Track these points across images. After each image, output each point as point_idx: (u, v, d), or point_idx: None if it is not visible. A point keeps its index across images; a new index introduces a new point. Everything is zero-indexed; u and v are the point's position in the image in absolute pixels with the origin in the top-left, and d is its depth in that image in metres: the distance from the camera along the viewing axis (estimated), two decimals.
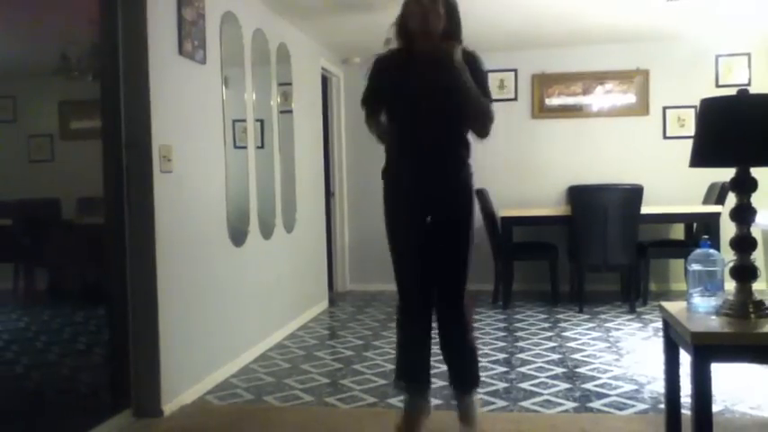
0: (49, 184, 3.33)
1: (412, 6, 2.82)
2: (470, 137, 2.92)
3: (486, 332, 5.09)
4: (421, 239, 2.92)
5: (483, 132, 2.88)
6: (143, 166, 3.35)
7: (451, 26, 2.87)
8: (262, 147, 4.90)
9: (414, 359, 3.04)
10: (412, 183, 2.88)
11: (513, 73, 6.95)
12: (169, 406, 3.44)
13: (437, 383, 3.45)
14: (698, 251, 2.35)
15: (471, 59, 2.91)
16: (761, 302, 2.21)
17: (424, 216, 2.91)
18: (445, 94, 2.80)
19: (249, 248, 4.52)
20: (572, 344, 4.70)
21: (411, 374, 3.05)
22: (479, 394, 3.12)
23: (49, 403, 3.12)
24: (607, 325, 5.26)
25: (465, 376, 3.04)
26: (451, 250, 2.90)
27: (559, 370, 4.07)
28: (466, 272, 2.93)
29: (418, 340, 3.01)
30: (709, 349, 2.08)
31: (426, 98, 2.80)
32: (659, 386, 3.58)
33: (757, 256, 2.29)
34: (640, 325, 5.23)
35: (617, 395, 3.59)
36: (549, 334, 5.01)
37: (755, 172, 2.22)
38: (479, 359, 3.25)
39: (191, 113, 3.79)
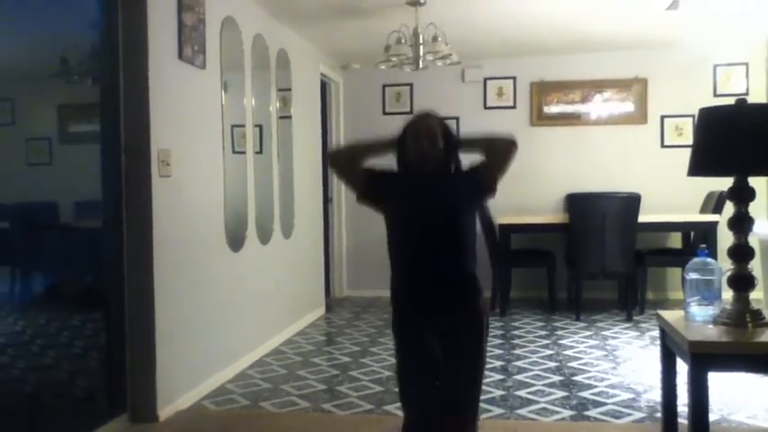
0: (48, 188, 3.32)
1: (410, 143, 2.64)
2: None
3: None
4: (433, 362, 2.63)
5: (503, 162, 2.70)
6: (142, 170, 3.35)
7: (449, 141, 2.67)
8: (260, 152, 4.90)
9: None
10: (421, 308, 2.66)
11: (511, 81, 6.96)
12: (165, 411, 3.43)
13: None
14: (695, 260, 2.36)
15: (469, 171, 2.71)
16: (758, 312, 2.22)
17: (433, 339, 2.64)
18: (450, 209, 2.64)
19: (247, 254, 4.52)
20: (569, 352, 4.70)
21: None
22: None
23: (45, 407, 3.11)
24: (604, 333, 5.26)
25: None
26: (462, 378, 2.63)
27: (556, 378, 4.07)
28: (477, 391, 2.66)
29: None
30: (706, 358, 2.08)
31: (431, 215, 2.62)
32: (656, 395, 3.58)
33: (754, 266, 2.29)
34: (637, 333, 5.23)
35: (614, 403, 3.59)
36: (547, 342, 5.00)
37: (753, 181, 2.22)
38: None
39: (190, 118, 3.80)
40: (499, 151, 2.70)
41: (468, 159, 2.69)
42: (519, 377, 4.09)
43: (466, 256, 2.69)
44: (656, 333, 3.16)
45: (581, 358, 4.52)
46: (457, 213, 2.66)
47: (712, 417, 2.56)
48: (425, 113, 2.74)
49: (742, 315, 2.20)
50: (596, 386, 3.89)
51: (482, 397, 3.60)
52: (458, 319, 2.63)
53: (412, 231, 2.67)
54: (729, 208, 2.30)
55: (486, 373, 4.11)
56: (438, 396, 2.61)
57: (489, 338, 5.03)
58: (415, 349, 2.67)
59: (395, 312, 2.74)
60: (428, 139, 2.62)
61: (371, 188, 2.74)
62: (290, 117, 5.49)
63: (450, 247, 2.65)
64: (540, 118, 6.94)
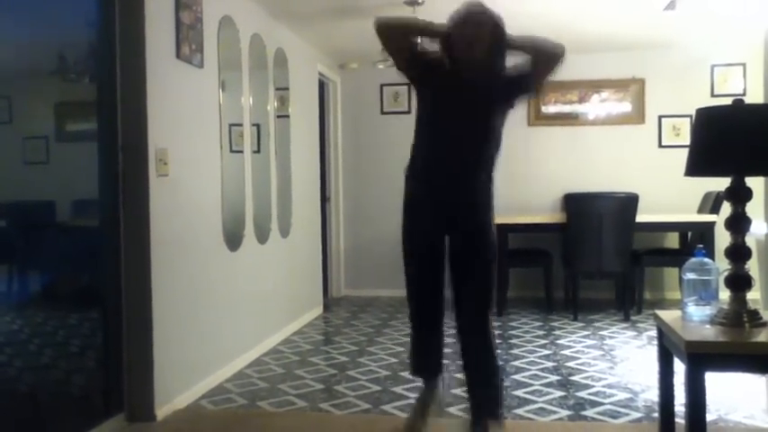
0: (45, 187, 3.31)
1: (456, 31, 2.71)
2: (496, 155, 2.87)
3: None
4: (441, 247, 2.88)
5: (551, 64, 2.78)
6: (139, 169, 3.34)
7: (497, 47, 2.74)
8: (258, 151, 4.90)
9: (425, 350, 3.07)
10: (436, 191, 2.83)
11: None
12: (162, 410, 3.43)
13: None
14: (693, 260, 2.36)
15: (513, 77, 2.83)
16: (755, 312, 2.22)
17: (444, 224, 2.87)
18: (484, 110, 2.75)
19: (244, 253, 4.51)
20: (566, 351, 4.70)
21: (422, 363, 3.10)
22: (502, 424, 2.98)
23: (41, 407, 3.10)
24: (601, 333, 5.26)
25: (485, 397, 2.92)
26: (477, 262, 2.85)
27: (554, 378, 4.07)
28: (492, 283, 2.89)
29: (431, 335, 3.05)
30: (703, 358, 2.08)
31: (466, 109, 2.73)
32: (653, 395, 3.58)
33: (751, 266, 2.29)
34: (635, 333, 5.24)
35: (611, 403, 3.59)
36: (544, 341, 5.01)
37: (750, 181, 2.23)
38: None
39: (187, 117, 3.79)
40: (546, 58, 2.79)
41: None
42: (516, 377, 4.10)
43: (485, 158, 2.81)
44: (654, 333, 3.16)
45: (578, 358, 4.52)
46: (490, 115, 2.76)
47: (709, 416, 2.56)
48: (476, 2, 2.75)
49: (739, 315, 2.20)
50: (593, 386, 3.89)
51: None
52: (469, 201, 2.81)
53: (443, 122, 2.76)
54: (726, 208, 2.30)
55: None
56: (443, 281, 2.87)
57: None
58: (424, 237, 2.86)
59: (407, 190, 2.89)
60: (476, 28, 2.68)
61: (416, 67, 2.81)
62: (287, 116, 5.49)
63: (474, 146, 2.76)
64: (537, 118, 6.94)
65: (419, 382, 3.76)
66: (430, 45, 2.84)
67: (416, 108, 2.93)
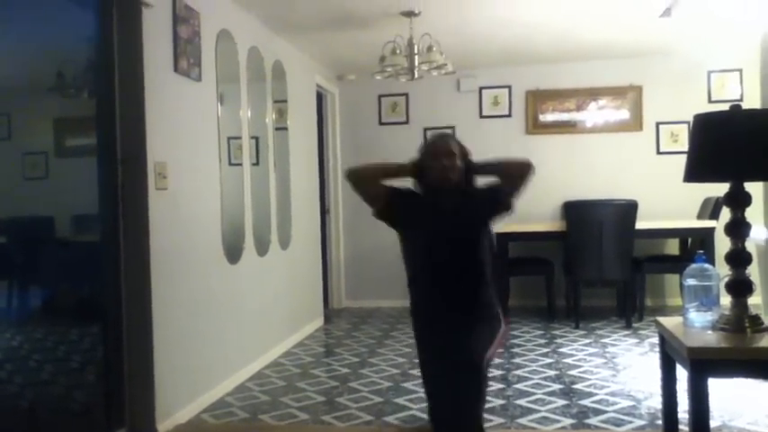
0: (44, 202, 3.31)
1: (429, 161, 2.75)
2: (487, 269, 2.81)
3: None
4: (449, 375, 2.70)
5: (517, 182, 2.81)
6: (138, 183, 3.34)
7: (468, 170, 2.79)
8: (257, 164, 4.90)
9: None
10: (436, 327, 2.77)
11: (507, 89, 6.98)
12: (164, 425, 3.42)
13: None
14: (693, 266, 2.36)
15: (485, 191, 2.85)
16: (756, 317, 2.22)
17: (448, 353, 2.71)
18: (469, 227, 2.76)
19: (244, 265, 4.51)
20: (568, 360, 4.69)
21: None
22: None
23: (43, 422, 3.09)
24: (603, 340, 5.25)
25: None
26: (464, 390, 2.67)
27: (556, 386, 4.06)
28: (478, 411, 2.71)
29: None
30: (705, 364, 2.08)
31: (446, 235, 2.73)
32: (656, 402, 3.57)
33: (752, 271, 2.29)
34: (636, 340, 5.22)
35: (614, 411, 3.58)
36: (546, 350, 5.00)
37: (749, 187, 2.23)
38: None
39: (186, 130, 3.80)
40: (515, 174, 2.81)
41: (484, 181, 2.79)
42: (519, 386, 4.08)
43: (482, 276, 2.77)
44: (656, 340, 3.16)
45: (581, 366, 4.51)
46: (475, 232, 2.76)
47: (713, 423, 2.55)
48: (443, 134, 2.87)
49: (741, 320, 2.19)
50: (596, 394, 3.88)
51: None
52: (468, 335, 2.68)
53: (431, 249, 2.74)
54: (726, 213, 2.30)
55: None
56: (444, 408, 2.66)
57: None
58: (429, 361, 2.76)
59: (414, 323, 2.86)
60: (447, 158, 2.72)
61: (390, 207, 2.81)
62: (286, 128, 5.50)
63: (467, 267, 2.74)
64: (535, 126, 6.95)
65: (423, 394, 3.63)
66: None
67: (400, 246, 2.86)
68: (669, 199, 6.37)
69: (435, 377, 2.75)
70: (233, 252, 4.35)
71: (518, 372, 4.40)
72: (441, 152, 2.74)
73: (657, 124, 6.74)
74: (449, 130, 2.90)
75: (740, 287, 2.22)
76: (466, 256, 2.75)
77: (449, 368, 2.66)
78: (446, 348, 2.69)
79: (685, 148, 2.41)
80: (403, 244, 2.86)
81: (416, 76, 4.95)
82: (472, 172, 2.81)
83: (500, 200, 2.80)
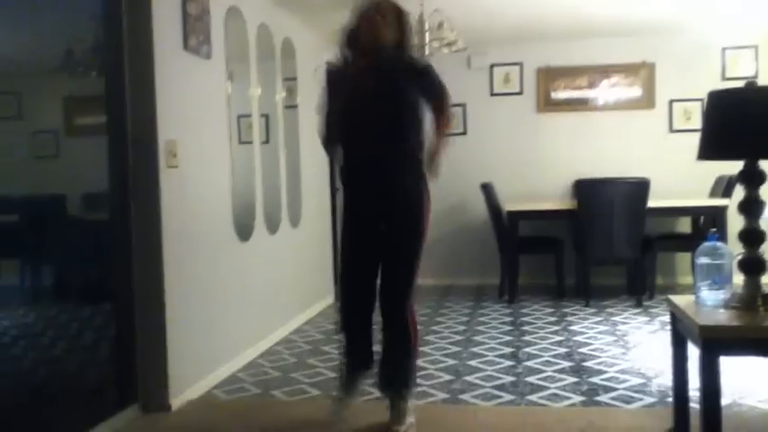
0: (55, 181, 3.32)
1: (361, 21, 2.89)
2: (421, 139, 2.97)
3: (493, 326, 5.08)
4: (370, 248, 3.01)
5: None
6: (148, 161, 3.35)
7: (401, 36, 2.92)
8: (267, 142, 4.90)
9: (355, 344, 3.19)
10: (362, 193, 2.98)
11: (518, 67, 6.92)
12: (176, 401, 3.45)
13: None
14: (706, 244, 2.34)
15: (420, 70, 2.97)
16: None
17: (375, 223, 2.99)
18: (392, 101, 2.87)
19: (255, 243, 4.52)
20: (579, 338, 4.69)
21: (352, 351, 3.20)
22: (415, 402, 3.17)
23: (56, 398, 3.13)
24: (614, 319, 5.25)
25: (392, 378, 3.09)
26: (396, 254, 2.97)
27: (566, 364, 4.07)
28: (411, 275, 2.99)
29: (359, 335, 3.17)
30: (717, 343, 2.07)
31: (374, 107, 2.86)
32: (666, 380, 3.57)
33: (765, 250, 2.27)
34: (647, 318, 5.22)
35: (624, 389, 3.59)
36: (556, 328, 5.00)
37: (764, 164, 2.21)
38: (416, 369, 3.25)
39: (196, 109, 3.79)
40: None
41: None
42: (529, 363, 4.09)
43: (403, 136, 2.90)
44: (666, 318, 3.15)
45: (591, 344, 4.51)
46: (402, 97, 2.87)
47: (724, 401, 2.54)
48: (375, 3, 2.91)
49: (753, 299, 2.19)
50: (607, 372, 3.89)
51: (492, 383, 3.63)
52: (392, 196, 2.93)
53: (360, 124, 2.88)
54: (739, 192, 2.28)
55: (496, 359, 4.15)
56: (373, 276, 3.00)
57: (498, 325, 5.08)
58: (356, 240, 3.03)
59: (344, 193, 3.08)
60: (383, 29, 2.85)
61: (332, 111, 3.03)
62: (296, 106, 5.48)
63: (390, 135, 2.87)
64: (546, 104, 6.90)
65: (433, 370, 3.77)
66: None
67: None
68: (681, 177, 6.32)
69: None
70: (243, 230, 4.36)
71: (528, 349, 4.41)
72: (372, 10, 2.86)
73: (670, 102, 6.67)
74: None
75: (753, 266, 2.20)
76: (390, 111, 2.86)
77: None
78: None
79: (698, 126, 2.40)
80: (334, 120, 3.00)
81: (427, 53, 4.91)
82: (408, 32, 2.97)
83: (428, 92, 2.93)
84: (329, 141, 3.07)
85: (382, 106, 2.85)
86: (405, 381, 3.07)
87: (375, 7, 2.86)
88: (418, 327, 3.12)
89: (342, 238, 3.13)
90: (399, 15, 2.90)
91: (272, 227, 4.88)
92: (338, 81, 3.03)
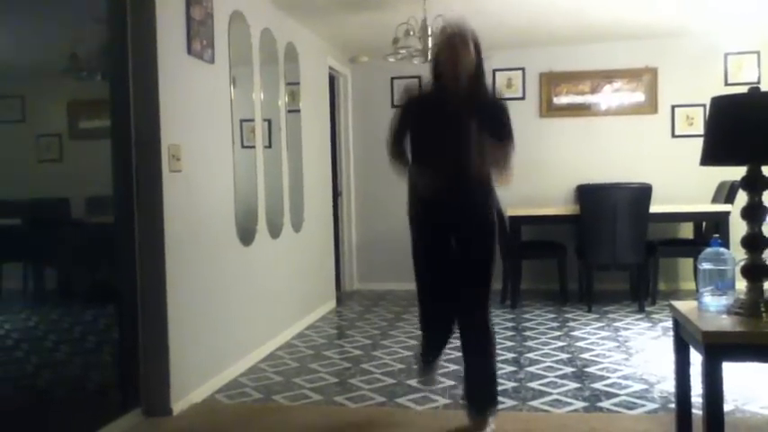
0: (58, 184, 3.33)
1: (443, 51, 2.97)
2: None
3: (495, 331, 5.06)
4: (443, 255, 3.11)
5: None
6: (152, 165, 3.36)
7: (478, 67, 3.00)
8: (269, 146, 4.90)
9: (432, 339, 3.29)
10: (436, 207, 3.03)
11: (520, 71, 6.93)
12: (179, 404, 3.45)
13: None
14: (709, 250, 2.34)
15: (496, 107, 3.09)
16: None
17: (447, 234, 3.11)
18: (470, 136, 2.95)
19: (257, 248, 4.52)
20: (581, 343, 4.69)
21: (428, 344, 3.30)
22: (495, 417, 3.16)
23: (59, 402, 3.13)
24: (616, 324, 5.24)
25: (479, 393, 3.14)
26: (474, 264, 3.09)
27: (568, 369, 4.06)
28: (488, 284, 3.13)
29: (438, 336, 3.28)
30: (720, 348, 2.07)
31: (452, 137, 2.95)
32: (669, 385, 3.56)
33: None
34: (650, 324, 5.21)
35: (627, 395, 3.58)
36: (558, 333, 4.99)
37: (766, 170, 2.20)
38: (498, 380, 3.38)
39: (199, 113, 3.80)
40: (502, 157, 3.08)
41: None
42: (531, 369, 4.09)
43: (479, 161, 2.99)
44: (669, 324, 3.14)
45: (593, 350, 4.51)
46: (474, 130, 2.95)
47: (726, 407, 2.54)
48: (456, 29, 2.97)
49: (756, 305, 2.18)
50: (609, 377, 3.88)
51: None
52: (468, 211, 3.04)
53: (434, 143, 2.97)
54: (741, 197, 2.28)
55: (498, 364, 4.13)
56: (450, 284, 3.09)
57: (501, 330, 5.08)
58: (429, 241, 3.11)
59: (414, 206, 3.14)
60: (463, 62, 2.91)
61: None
62: (298, 111, 5.49)
63: (464, 153, 2.95)
64: (549, 109, 6.91)
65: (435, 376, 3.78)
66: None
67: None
68: (684, 183, 6.32)
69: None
70: (246, 234, 4.36)
71: (530, 355, 4.41)
72: (454, 43, 2.91)
73: (673, 107, 6.67)
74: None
75: (756, 272, 2.20)
76: (464, 140, 2.95)
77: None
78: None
79: (701, 131, 2.40)
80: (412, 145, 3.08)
81: (430, 58, 4.92)
82: (482, 60, 3.01)
83: (500, 130, 3.03)
84: (398, 160, 3.13)
85: (455, 140, 2.96)
86: (493, 395, 3.17)
87: (461, 42, 2.92)
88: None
89: (416, 256, 3.17)
90: (477, 45, 2.97)
91: (275, 231, 4.88)
92: (417, 110, 3.10)
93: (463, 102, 2.96)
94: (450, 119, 2.95)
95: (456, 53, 2.90)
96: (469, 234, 3.07)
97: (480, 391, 3.12)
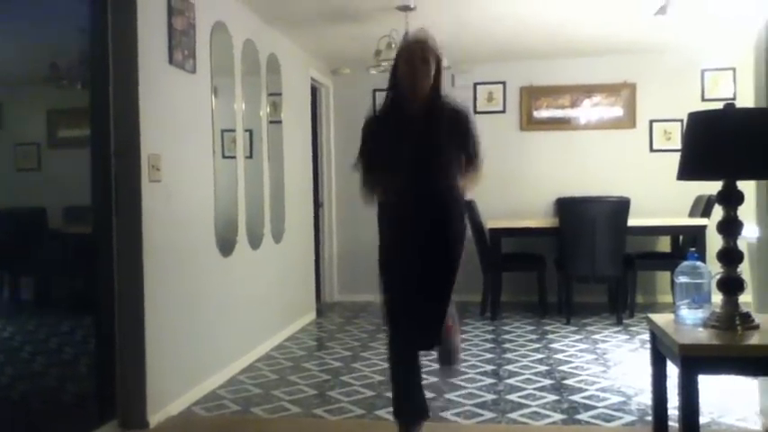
0: (36, 193, 3.30)
1: (402, 65, 2.89)
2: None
3: (474, 343, 5.09)
4: (414, 275, 2.97)
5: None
6: (131, 175, 3.34)
7: (438, 79, 2.92)
8: (251, 157, 4.89)
9: (408, 388, 3.05)
10: (408, 229, 2.96)
11: (501, 85, 6.99)
12: (155, 417, 3.42)
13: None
14: (685, 263, 2.37)
15: (458, 117, 2.98)
16: (747, 315, 2.23)
17: (418, 254, 2.97)
18: (434, 152, 2.90)
19: (237, 258, 4.50)
20: (559, 355, 4.71)
21: (408, 402, 3.06)
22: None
23: (34, 414, 3.09)
24: (594, 337, 5.27)
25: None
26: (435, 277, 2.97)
27: (547, 382, 4.08)
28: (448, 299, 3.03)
29: (411, 369, 3.07)
30: (696, 361, 2.09)
31: (417, 154, 2.87)
32: (646, 398, 3.59)
33: (743, 269, 2.30)
34: (627, 337, 5.25)
35: (604, 407, 3.60)
36: (537, 345, 5.01)
37: (741, 185, 2.24)
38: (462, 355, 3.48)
39: (180, 123, 3.78)
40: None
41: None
42: (510, 381, 4.10)
43: (445, 185, 2.92)
44: (646, 336, 3.17)
45: (572, 362, 4.53)
46: (440, 142, 2.88)
47: (703, 419, 2.56)
48: (419, 38, 2.92)
49: (732, 318, 2.21)
50: (587, 390, 3.90)
51: (473, 401, 3.63)
52: (440, 232, 2.93)
53: (403, 168, 2.87)
54: (718, 211, 2.31)
55: (477, 377, 4.14)
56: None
57: (480, 342, 5.09)
58: (399, 273, 2.99)
59: (380, 227, 3.10)
60: (422, 64, 2.82)
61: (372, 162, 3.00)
62: (280, 122, 5.49)
63: (432, 179, 2.89)
64: (529, 122, 6.96)
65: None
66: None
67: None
68: (661, 196, 6.39)
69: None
70: (226, 245, 4.34)
71: (509, 367, 4.42)
72: (415, 58, 2.83)
73: (651, 122, 6.76)
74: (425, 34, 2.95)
75: (732, 285, 2.23)
76: (432, 155, 2.88)
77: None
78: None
79: (678, 146, 2.43)
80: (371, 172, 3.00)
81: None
82: (441, 76, 2.91)
83: (468, 155, 2.96)
84: (369, 189, 3.07)
85: (422, 153, 2.88)
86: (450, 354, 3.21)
87: (420, 53, 2.85)
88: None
89: (384, 266, 3.08)
90: (438, 59, 2.89)
91: (255, 242, 4.86)
92: (377, 130, 3.01)
93: (423, 111, 2.88)
94: (409, 130, 2.87)
95: (414, 61, 2.83)
96: (435, 247, 2.94)
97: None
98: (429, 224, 2.93)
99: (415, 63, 2.83)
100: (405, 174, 2.88)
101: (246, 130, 4.82)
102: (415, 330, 2.97)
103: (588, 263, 5.73)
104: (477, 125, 3.04)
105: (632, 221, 5.71)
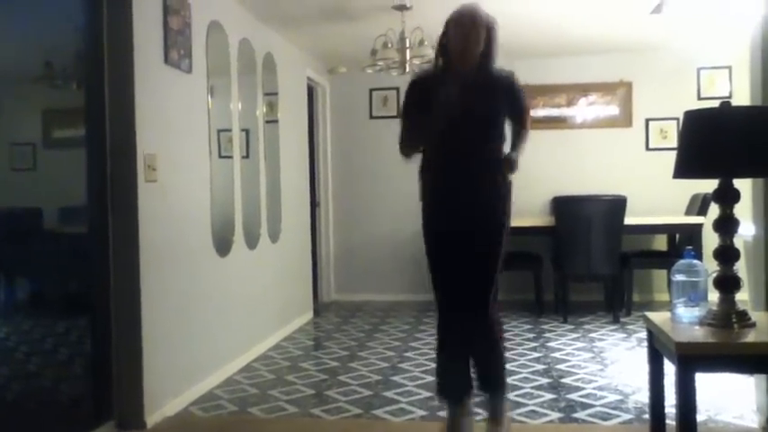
0: (32, 193, 3.29)
1: (452, 28, 2.89)
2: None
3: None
4: (457, 248, 2.95)
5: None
6: (127, 175, 3.33)
7: (489, 47, 2.93)
8: (247, 156, 4.89)
9: (455, 374, 3.04)
10: (449, 194, 2.93)
11: None
12: (152, 417, 3.41)
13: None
14: (681, 262, 2.37)
15: (507, 80, 3.04)
16: (744, 313, 2.23)
17: (458, 226, 2.94)
18: (479, 118, 2.89)
19: (234, 258, 4.50)
20: (556, 354, 4.71)
21: (452, 389, 3.05)
22: (509, 401, 3.14)
23: (30, 415, 3.08)
24: (591, 335, 5.28)
25: (489, 379, 3.04)
26: (480, 258, 2.98)
27: (544, 380, 4.08)
28: (493, 279, 3.03)
29: (459, 355, 3.04)
30: (693, 359, 2.09)
31: (461, 118, 2.85)
32: (643, 396, 3.59)
33: (740, 267, 2.31)
34: (624, 335, 5.26)
35: (601, 405, 3.60)
36: (534, 344, 5.02)
37: (738, 183, 2.24)
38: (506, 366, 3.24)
39: (176, 122, 3.78)
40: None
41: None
42: (507, 380, 4.09)
43: (492, 150, 2.93)
44: (643, 335, 3.17)
45: (569, 360, 4.53)
46: (489, 110, 2.91)
47: (699, 417, 2.57)
48: (470, 10, 2.90)
49: (728, 316, 2.21)
50: (584, 388, 3.90)
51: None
52: (479, 199, 2.93)
53: (447, 130, 2.85)
54: (714, 210, 2.31)
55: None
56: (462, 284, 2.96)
57: None
58: (441, 242, 2.95)
59: (423, 190, 3.00)
60: (473, 42, 2.85)
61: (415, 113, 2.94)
62: (276, 121, 5.48)
63: (476, 145, 2.89)
64: None
65: (412, 387, 3.77)
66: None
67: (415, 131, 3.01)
68: (657, 195, 6.40)
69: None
70: (222, 245, 4.34)
71: (507, 366, 4.41)
72: (466, 21, 2.84)
73: (647, 120, 6.77)
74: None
75: (728, 283, 2.23)
76: (479, 126, 2.88)
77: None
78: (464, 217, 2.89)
79: (674, 144, 2.43)
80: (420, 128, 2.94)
81: (408, 70, 4.94)
82: (495, 46, 2.96)
83: (515, 106, 3.01)
84: (410, 146, 3.00)
85: (472, 118, 2.86)
86: (502, 380, 3.09)
87: (470, 21, 2.85)
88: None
89: (426, 242, 3.02)
90: (490, 29, 2.90)
91: (252, 242, 4.86)
92: (424, 85, 2.97)
93: (472, 74, 2.87)
94: (459, 86, 2.84)
95: (465, 29, 2.82)
96: (479, 228, 2.94)
97: (486, 377, 3.02)
98: (474, 182, 2.90)
99: (466, 26, 2.83)
100: (451, 131, 2.85)
101: (243, 130, 4.81)
102: (460, 292, 2.95)
103: (585, 261, 5.74)
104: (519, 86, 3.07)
105: (628, 220, 5.72)
